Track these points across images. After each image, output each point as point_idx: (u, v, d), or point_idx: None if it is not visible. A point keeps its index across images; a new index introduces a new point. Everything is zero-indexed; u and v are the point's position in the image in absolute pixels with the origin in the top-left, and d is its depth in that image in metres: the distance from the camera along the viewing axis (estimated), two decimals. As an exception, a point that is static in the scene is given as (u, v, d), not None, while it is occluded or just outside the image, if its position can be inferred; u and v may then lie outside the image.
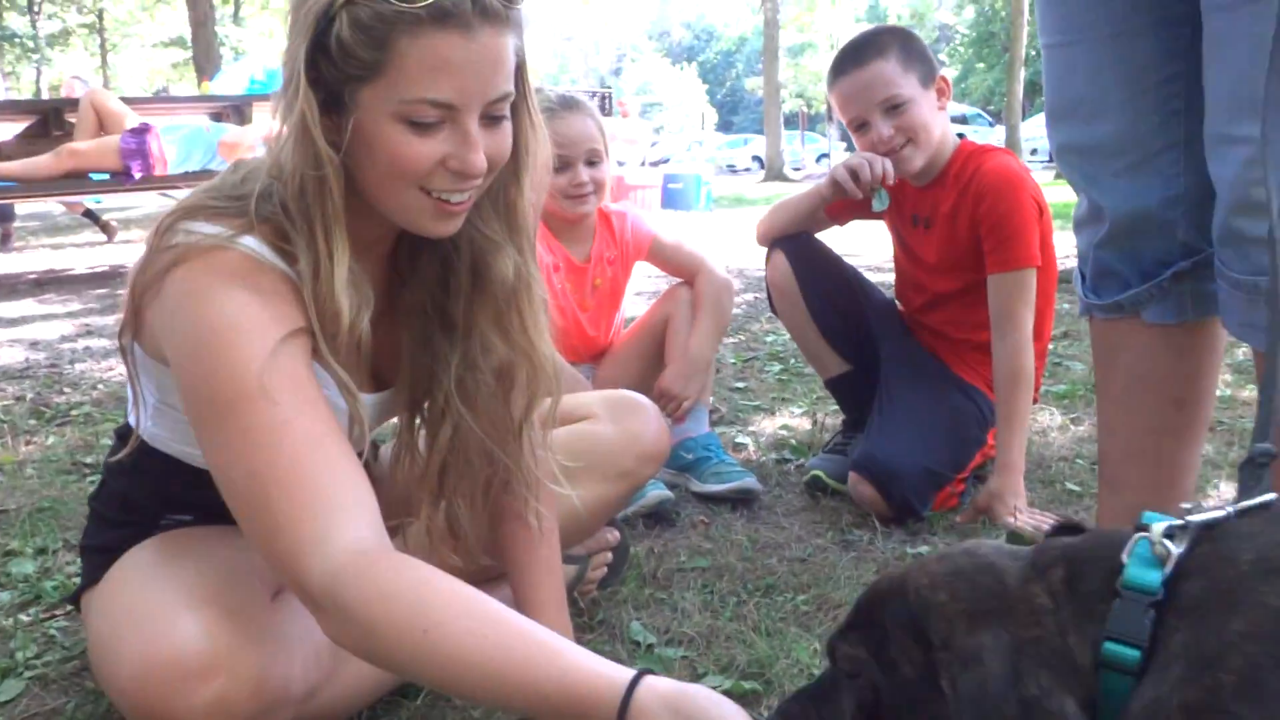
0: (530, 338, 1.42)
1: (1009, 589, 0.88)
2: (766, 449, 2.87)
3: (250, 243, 1.24)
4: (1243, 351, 3.50)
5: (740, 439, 2.95)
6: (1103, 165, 1.65)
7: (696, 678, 1.58)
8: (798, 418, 3.18)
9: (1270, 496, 0.95)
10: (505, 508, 1.53)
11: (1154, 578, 0.83)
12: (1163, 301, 1.68)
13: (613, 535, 1.91)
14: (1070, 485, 2.51)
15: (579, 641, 1.61)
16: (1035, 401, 2.47)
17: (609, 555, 1.90)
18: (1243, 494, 1.01)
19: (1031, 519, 2.19)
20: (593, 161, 2.43)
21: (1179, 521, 0.87)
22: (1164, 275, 1.66)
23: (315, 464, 1.19)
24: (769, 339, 4.42)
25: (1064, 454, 2.77)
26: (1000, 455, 2.27)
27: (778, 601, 1.86)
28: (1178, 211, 1.61)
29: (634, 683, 1.06)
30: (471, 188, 1.26)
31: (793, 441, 2.90)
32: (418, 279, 1.41)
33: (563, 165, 2.40)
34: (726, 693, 1.53)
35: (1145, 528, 0.88)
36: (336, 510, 1.17)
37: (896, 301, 2.69)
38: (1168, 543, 0.85)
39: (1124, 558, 0.85)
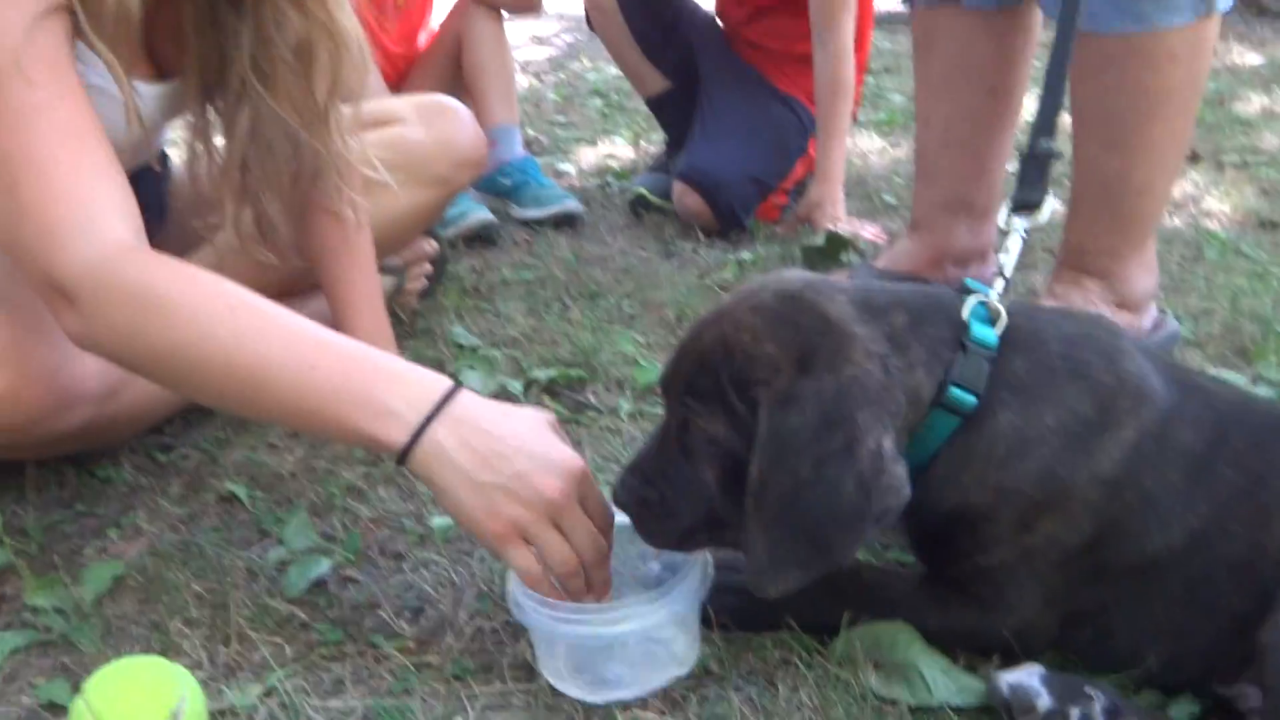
0: (328, 9, 1.28)
1: (838, 328, 0.88)
2: (589, 175, 2.81)
3: None
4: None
5: (563, 166, 2.88)
6: None
7: (521, 372, 1.57)
8: (620, 146, 3.12)
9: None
10: (315, 202, 1.44)
11: (993, 336, 0.92)
12: (982, -16, 1.66)
13: (430, 246, 1.84)
14: (887, 198, 2.55)
15: (401, 349, 1.59)
16: (855, 120, 2.47)
17: (427, 266, 1.84)
18: (1020, 187, 1.15)
19: (850, 226, 2.22)
20: None
21: (999, 289, 0.98)
22: (984, -45, 1.63)
23: (75, 153, 1.06)
24: (590, 76, 4.29)
25: (882, 173, 2.81)
26: (820, 164, 2.27)
27: (602, 305, 1.85)
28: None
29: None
30: None
31: (615, 167, 2.86)
32: None
33: None
34: (552, 381, 1.54)
35: (970, 291, 0.96)
36: (98, 200, 1.05)
37: (717, 18, 2.61)
38: (1000, 307, 0.94)
39: (965, 315, 0.93)
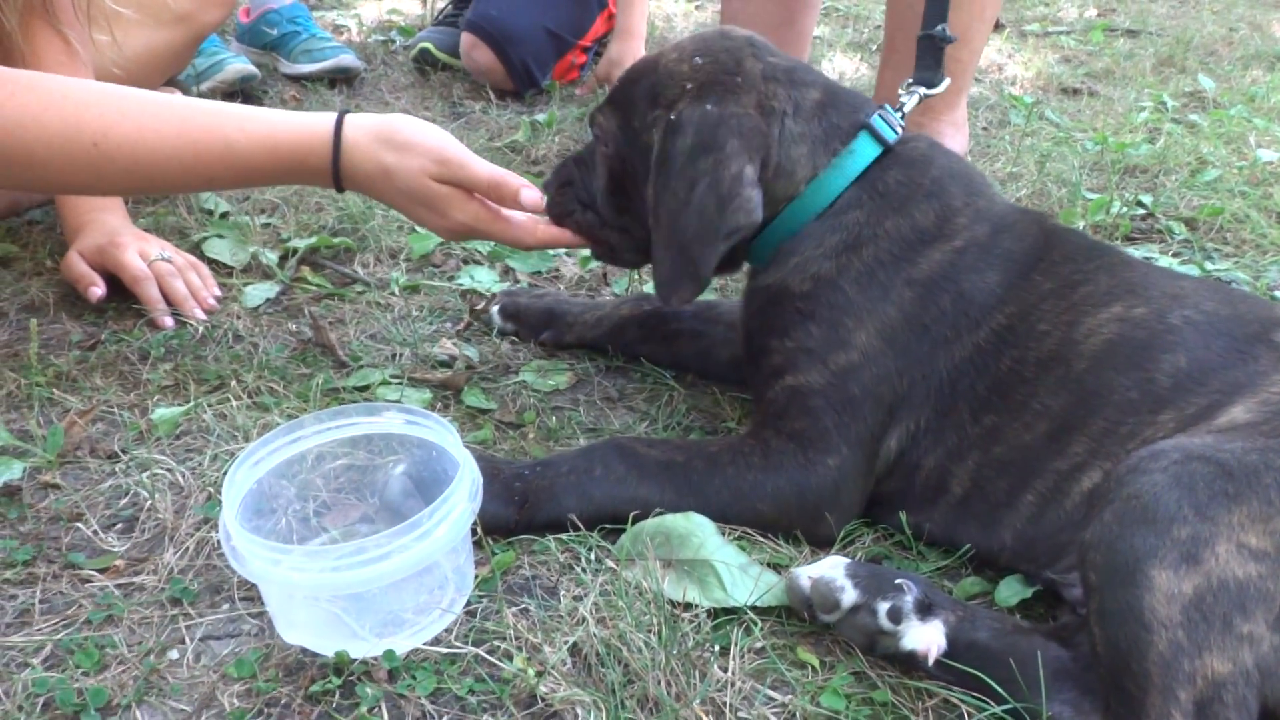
0: None
1: (747, 76, 0.95)
2: (371, 30, 2.56)
3: None
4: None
5: (341, 21, 2.61)
6: None
7: (280, 242, 1.37)
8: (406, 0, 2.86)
9: (946, 83, 1.15)
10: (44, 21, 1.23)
11: (873, 149, 0.97)
12: None
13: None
14: (692, 61, 2.40)
15: (135, 216, 1.37)
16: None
17: (172, 121, 1.59)
18: (919, 66, 1.15)
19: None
20: None
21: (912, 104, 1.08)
22: None
23: None
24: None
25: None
26: (621, 20, 2.10)
27: (378, 169, 1.65)
28: None
29: (338, 125, 1.02)
30: None
31: (401, 23, 2.60)
32: None
33: None
34: (313, 250, 1.36)
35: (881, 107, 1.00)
36: None
37: None
38: (898, 118, 1.01)
39: (871, 120, 0.98)
